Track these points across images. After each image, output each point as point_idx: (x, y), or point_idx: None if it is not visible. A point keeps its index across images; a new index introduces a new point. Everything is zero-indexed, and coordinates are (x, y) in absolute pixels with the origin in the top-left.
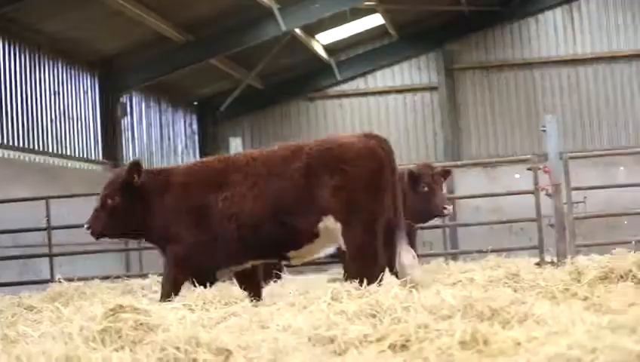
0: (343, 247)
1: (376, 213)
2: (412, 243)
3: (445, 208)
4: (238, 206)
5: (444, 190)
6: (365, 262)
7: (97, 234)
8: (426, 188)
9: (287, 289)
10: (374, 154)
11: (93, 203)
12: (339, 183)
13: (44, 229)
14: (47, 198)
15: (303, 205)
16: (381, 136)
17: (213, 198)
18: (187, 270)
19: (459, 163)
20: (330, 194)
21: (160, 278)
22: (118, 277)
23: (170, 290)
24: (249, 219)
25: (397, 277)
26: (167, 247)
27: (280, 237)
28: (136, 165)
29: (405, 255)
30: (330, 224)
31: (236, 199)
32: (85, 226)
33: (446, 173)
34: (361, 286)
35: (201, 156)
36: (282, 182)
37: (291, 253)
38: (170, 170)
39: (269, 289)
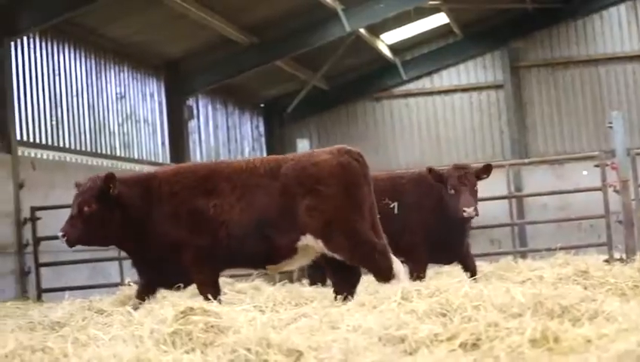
0: (340, 258)
1: (356, 221)
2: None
3: (465, 211)
4: (226, 215)
5: (474, 189)
6: (366, 261)
7: (72, 242)
8: (452, 191)
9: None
10: (347, 169)
11: None
12: (313, 203)
13: None
14: None
15: (284, 222)
16: (355, 150)
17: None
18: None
19: (526, 161)
20: (307, 214)
21: (229, 280)
22: None
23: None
24: (235, 230)
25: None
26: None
27: (261, 251)
28: (111, 176)
29: (395, 264)
30: (309, 241)
31: (225, 208)
32: (60, 234)
33: (484, 171)
34: (385, 277)
35: None
36: (266, 198)
37: (270, 267)
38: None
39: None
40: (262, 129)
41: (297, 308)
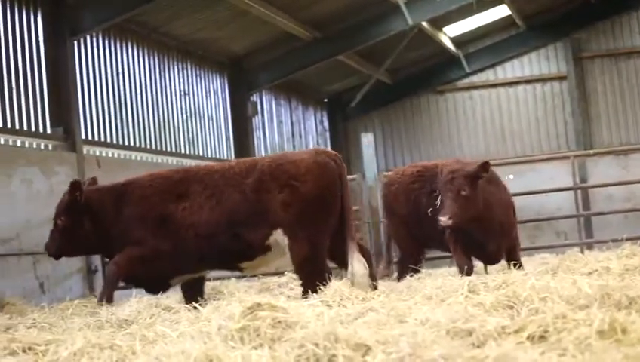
0: (289, 258)
1: (322, 228)
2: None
3: (440, 220)
4: (196, 216)
5: (459, 194)
6: (309, 274)
7: (54, 255)
8: (435, 194)
9: (423, 283)
10: (324, 170)
11: None
12: (288, 199)
13: None
14: None
15: (255, 218)
16: (331, 151)
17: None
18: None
19: (591, 152)
20: (281, 209)
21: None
22: (254, 275)
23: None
24: (205, 229)
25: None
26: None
27: (234, 249)
28: (76, 184)
29: (357, 264)
30: (279, 237)
31: (194, 209)
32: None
33: (481, 169)
34: (305, 296)
35: None
36: (237, 195)
37: (245, 264)
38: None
39: (406, 283)
40: (326, 124)
41: (364, 303)
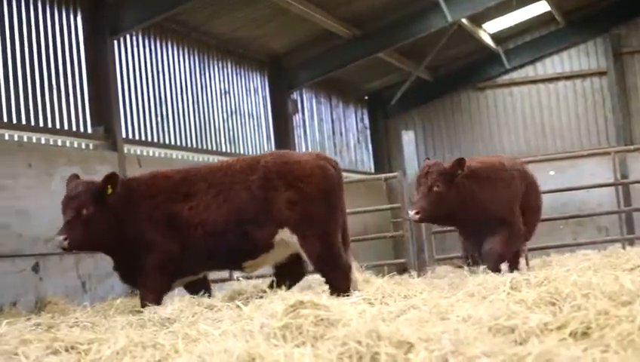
0: (305, 258)
1: (330, 225)
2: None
3: (409, 213)
4: (203, 215)
5: (431, 190)
6: (328, 271)
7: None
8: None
9: (465, 280)
10: (326, 173)
11: None
12: (294, 198)
13: None
14: None
15: (262, 216)
16: (330, 157)
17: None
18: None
19: (631, 147)
20: (286, 207)
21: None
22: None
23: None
24: (213, 228)
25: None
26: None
27: (242, 247)
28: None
29: (355, 272)
30: (285, 236)
31: (201, 208)
32: (62, 238)
33: (457, 166)
34: (332, 294)
35: (374, 151)
36: (244, 193)
37: (248, 263)
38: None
39: (448, 281)
40: (366, 121)
41: (406, 300)
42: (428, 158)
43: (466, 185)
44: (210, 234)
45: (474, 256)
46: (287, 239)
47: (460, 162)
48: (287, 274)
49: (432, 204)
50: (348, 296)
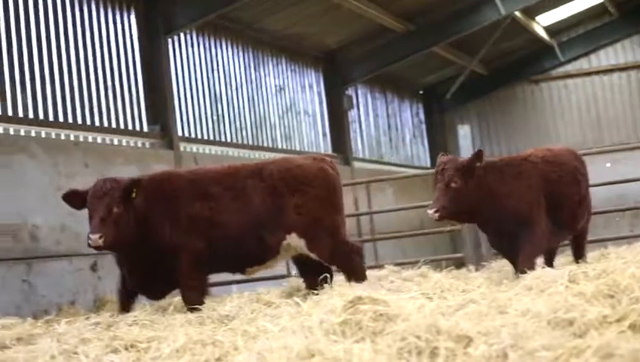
0: (316, 258)
1: (336, 223)
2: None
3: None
4: (223, 217)
5: (449, 186)
6: (344, 262)
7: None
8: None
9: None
10: (327, 175)
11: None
12: (300, 202)
13: None
14: None
15: (273, 222)
16: (329, 159)
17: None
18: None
19: None
20: (294, 213)
21: (395, 268)
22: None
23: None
24: (233, 231)
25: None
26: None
27: (254, 251)
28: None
29: None
30: (293, 241)
31: (221, 210)
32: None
33: (476, 158)
34: (360, 277)
35: (430, 146)
36: (257, 198)
37: (254, 268)
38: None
39: (505, 274)
40: (422, 116)
41: (465, 294)
42: (444, 154)
43: (484, 179)
44: (230, 237)
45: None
46: (294, 244)
47: (478, 154)
48: (315, 273)
49: (452, 200)
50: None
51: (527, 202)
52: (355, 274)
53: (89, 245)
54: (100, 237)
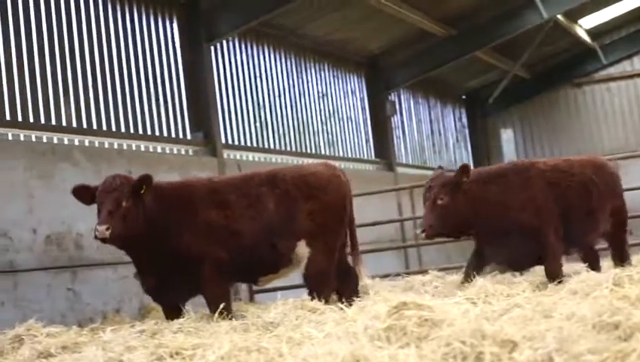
0: (302, 268)
1: (337, 238)
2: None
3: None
4: (238, 225)
5: (435, 204)
6: (320, 285)
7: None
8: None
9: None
10: (340, 182)
11: (368, 202)
12: (313, 208)
13: None
14: None
15: (285, 229)
16: (336, 166)
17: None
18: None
19: None
20: (307, 219)
21: (439, 273)
22: (398, 274)
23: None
24: (248, 239)
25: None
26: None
27: (271, 260)
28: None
29: (363, 274)
30: (301, 249)
31: (236, 218)
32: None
33: (461, 174)
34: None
35: (473, 150)
36: (271, 205)
37: (268, 276)
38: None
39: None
40: (465, 120)
41: (509, 299)
42: (441, 167)
43: (475, 190)
44: (245, 245)
45: (499, 264)
46: (301, 252)
47: (464, 169)
48: (345, 282)
49: (439, 218)
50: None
51: (534, 211)
52: (318, 294)
53: (95, 237)
54: (107, 229)
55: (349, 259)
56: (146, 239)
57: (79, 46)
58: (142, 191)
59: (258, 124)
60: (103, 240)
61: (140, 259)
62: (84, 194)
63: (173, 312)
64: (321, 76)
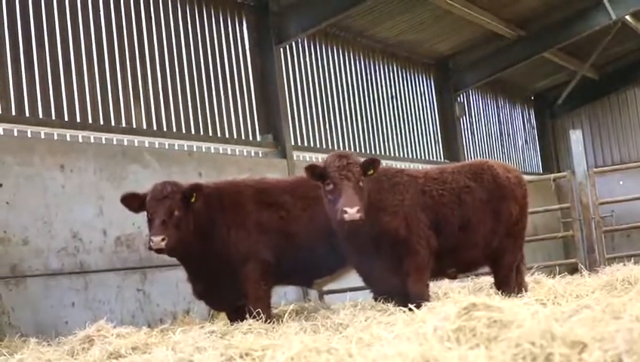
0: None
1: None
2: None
3: (346, 212)
4: (295, 226)
5: (358, 185)
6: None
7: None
8: (331, 186)
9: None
10: None
11: None
12: None
13: None
14: None
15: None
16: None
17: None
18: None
19: None
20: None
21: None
22: (466, 275)
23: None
24: (305, 240)
25: None
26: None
27: (324, 261)
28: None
29: None
30: None
31: (292, 219)
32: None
33: (369, 166)
34: None
35: (541, 151)
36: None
37: (324, 278)
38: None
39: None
40: (533, 122)
41: (579, 300)
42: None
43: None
44: (303, 245)
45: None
46: None
47: (373, 162)
48: None
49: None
50: None
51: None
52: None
53: (150, 248)
54: (163, 240)
55: None
56: (196, 245)
57: (149, 48)
58: (192, 200)
59: (327, 126)
60: (159, 251)
61: (190, 264)
62: (132, 201)
63: (234, 315)
64: (390, 78)
